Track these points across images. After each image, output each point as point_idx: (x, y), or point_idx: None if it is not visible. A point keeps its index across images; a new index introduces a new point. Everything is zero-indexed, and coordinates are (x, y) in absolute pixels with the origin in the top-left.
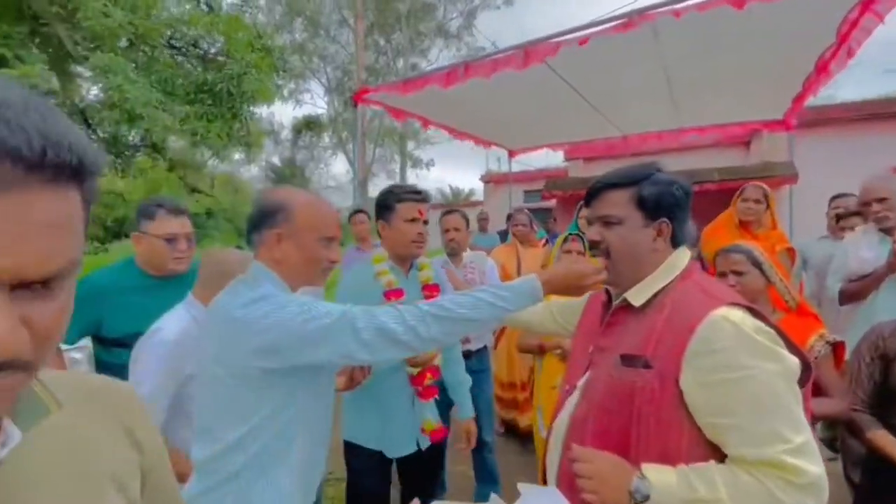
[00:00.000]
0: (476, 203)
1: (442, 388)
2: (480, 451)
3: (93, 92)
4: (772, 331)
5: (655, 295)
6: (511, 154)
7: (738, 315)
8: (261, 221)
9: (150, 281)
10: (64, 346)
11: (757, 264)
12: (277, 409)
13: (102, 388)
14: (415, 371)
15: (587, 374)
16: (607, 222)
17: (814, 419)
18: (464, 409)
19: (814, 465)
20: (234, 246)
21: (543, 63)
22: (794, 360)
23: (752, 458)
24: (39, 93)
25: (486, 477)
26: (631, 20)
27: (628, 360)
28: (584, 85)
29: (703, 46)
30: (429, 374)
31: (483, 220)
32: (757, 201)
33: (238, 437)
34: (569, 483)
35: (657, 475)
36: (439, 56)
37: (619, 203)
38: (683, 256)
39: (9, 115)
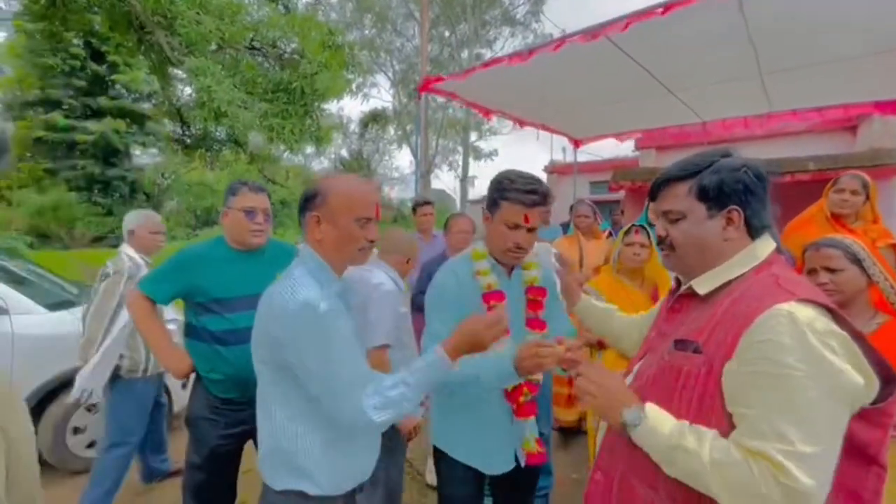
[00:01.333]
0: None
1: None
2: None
3: (186, 92)
4: (846, 337)
5: (724, 285)
6: (576, 144)
7: (807, 313)
8: (303, 206)
9: (234, 254)
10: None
11: (856, 260)
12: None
13: None
14: (509, 385)
15: (644, 357)
16: (670, 218)
17: None
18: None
19: (809, 476)
20: None
21: (613, 43)
22: (853, 379)
23: (748, 446)
24: (142, 95)
25: (542, 468)
26: None
27: (681, 344)
28: (658, 67)
29: (798, 15)
30: (525, 389)
31: (546, 213)
32: (854, 192)
33: None
34: (607, 461)
35: (656, 414)
36: (505, 46)
37: (679, 196)
38: (765, 246)
39: None
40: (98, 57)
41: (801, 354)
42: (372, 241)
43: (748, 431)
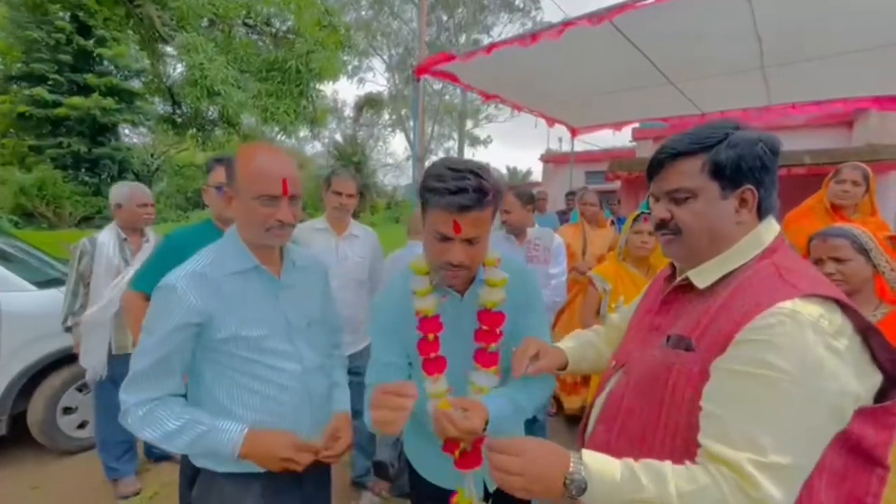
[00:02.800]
0: (534, 184)
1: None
2: (531, 427)
3: (178, 70)
4: (857, 339)
5: (726, 276)
6: (574, 133)
7: (812, 311)
8: (225, 182)
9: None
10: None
11: (863, 250)
12: None
13: None
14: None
15: (634, 351)
16: (676, 198)
17: None
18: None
19: (778, 490)
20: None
21: (617, 29)
22: (847, 387)
23: (713, 451)
24: (131, 72)
25: None
26: None
27: (673, 340)
28: (660, 56)
29: (807, 8)
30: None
31: (541, 200)
32: (855, 183)
33: None
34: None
35: (598, 464)
36: (503, 31)
37: (689, 173)
38: (769, 231)
39: None
40: (85, 31)
41: (795, 359)
42: (282, 222)
43: (716, 434)
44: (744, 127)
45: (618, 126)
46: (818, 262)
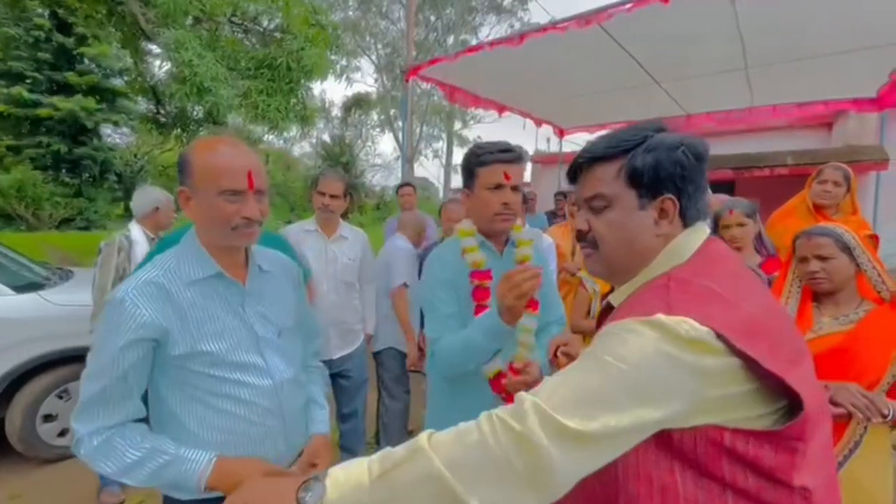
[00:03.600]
0: (523, 184)
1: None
2: None
3: (163, 69)
4: (721, 349)
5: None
6: (561, 134)
7: (676, 319)
8: (179, 182)
9: None
10: None
11: (847, 249)
12: None
13: None
14: (490, 374)
15: None
16: (593, 206)
17: None
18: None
19: (545, 433)
20: (285, 221)
21: (605, 31)
22: (694, 331)
23: (500, 414)
24: (114, 71)
25: None
26: None
27: None
28: (647, 57)
29: (788, 11)
30: (509, 375)
31: (530, 201)
32: (836, 183)
33: None
34: None
35: (337, 474)
36: (491, 33)
37: (605, 180)
38: (691, 240)
39: None
40: (65, 28)
41: (636, 353)
42: (248, 219)
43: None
44: (667, 129)
45: (604, 127)
46: (803, 260)
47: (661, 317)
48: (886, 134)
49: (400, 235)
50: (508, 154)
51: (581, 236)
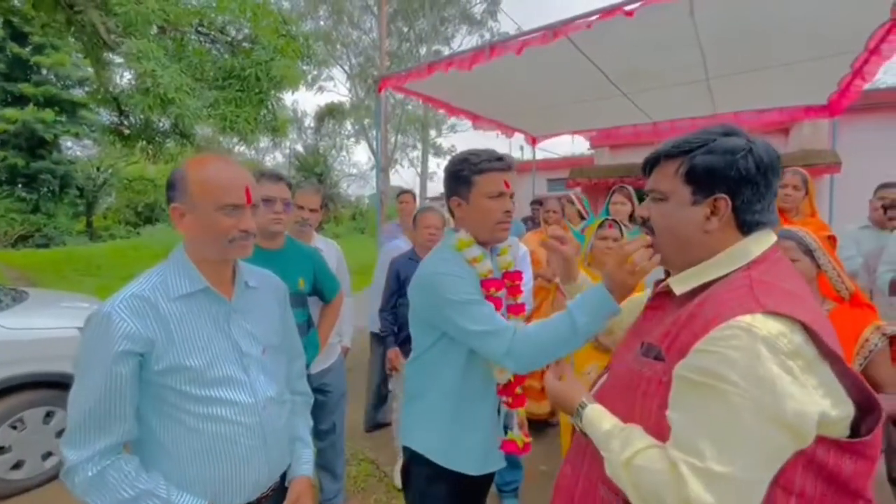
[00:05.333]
0: None
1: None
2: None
3: (126, 79)
4: (823, 364)
5: (704, 285)
6: (533, 141)
7: (771, 328)
8: (168, 199)
9: (262, 252)
10: None
11: (808, 251)
12: None
13: None
14: (504, 379)
15: (618, 354)
16: (654, 198)
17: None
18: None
19: (710, 495)
20: None
21: (571, 43)
22: (803, 408)
23: (670, 454)
24: (73, 81)
25: (510, 461)
26: None
27: (645, 348)
28: (613, 70)
29: (743, 23)
30: (521, 383)
31: None
32: (796, 187)
33: None
34: (575, 456)
35: (596, 412)
36: (463, 43)
37: (667, 176)
38: (758, 244)
39: None
40: (20, 38)
41: (746, 373)
42: (246, 232)
43: (672, 438)
44: (738, 134)
45: (577, 133)
46: None
47: (756, 327)
48: (838, 139)
49: (404, 238)
50: (504, 162)
51: (643, 222)
